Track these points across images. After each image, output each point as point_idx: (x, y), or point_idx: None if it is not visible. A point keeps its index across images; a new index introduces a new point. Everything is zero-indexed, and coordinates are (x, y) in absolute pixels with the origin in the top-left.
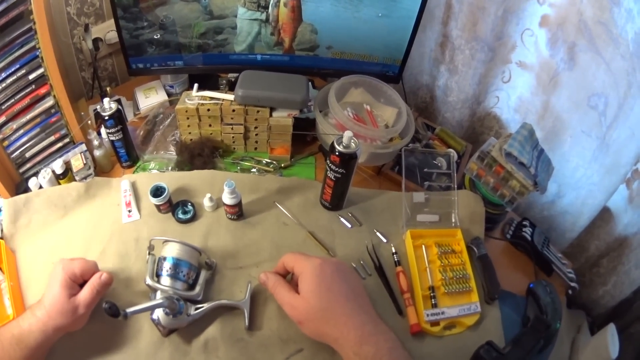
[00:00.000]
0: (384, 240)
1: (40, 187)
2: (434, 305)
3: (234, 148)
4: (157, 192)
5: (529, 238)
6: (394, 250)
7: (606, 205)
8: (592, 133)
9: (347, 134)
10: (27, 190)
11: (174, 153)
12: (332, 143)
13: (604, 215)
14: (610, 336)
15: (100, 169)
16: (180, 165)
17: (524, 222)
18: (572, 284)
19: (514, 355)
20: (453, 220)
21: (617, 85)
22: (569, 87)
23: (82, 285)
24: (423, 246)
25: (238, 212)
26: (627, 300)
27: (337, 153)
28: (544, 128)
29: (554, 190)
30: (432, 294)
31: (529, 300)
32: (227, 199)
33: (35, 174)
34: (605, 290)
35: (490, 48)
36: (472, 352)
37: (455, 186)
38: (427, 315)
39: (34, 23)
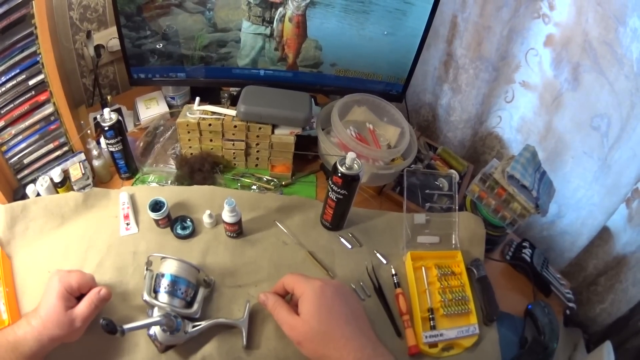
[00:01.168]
0: (384, 262)
1: (38, 194)
2: (433, 327)
3: (235, 164)
4: (156, 206)
5: (529, 259)
6: (393, 272)
7: (605, 224)
8: (593, 154)
9: (350, 155)
10: (24, 196)
11: (174, 167)
12: (335, 164)
13: (603, 234)
14: (606, 354)
15: (99, 180)
16: (180, 180)
17: (524, 244)
18: (570, 304)
19: None
20: (453, 241)
21: (620, 106)
22: (572, 108)
23: (78, 297)
24: (423, 268)
25: (238, 230)
26: (623, 317)
27: (339, 174)
28: (546, 149)
29: (554, 211)
30: (431, 316)
31: (527, 322)
32: (227, 217)
33: (33, 181)
34: (603, 308)
35: (494, 67)
36: None
37: (457, 208)
38: (426, 337)
39: (35, 27)
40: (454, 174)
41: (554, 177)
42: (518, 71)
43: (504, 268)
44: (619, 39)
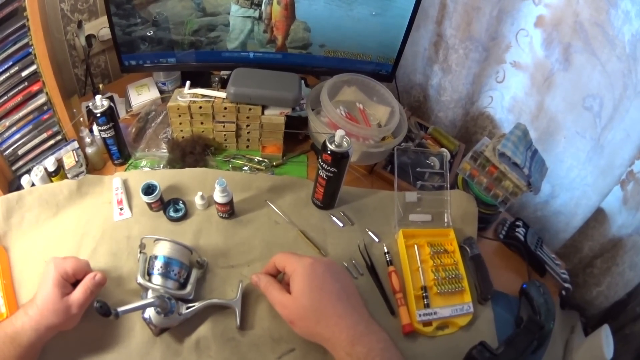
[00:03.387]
0: (376, 240)
1: (33, 184)
2: (427, 306)
3: (226, 146)
4: (148, 190)
5: (522, 238)
6: (386, 250)
7: (600, 206)
8: (586, 134)
9: (339, 132)
10: (19, 187)
11: (166, 151)
12: (324, 142)
13: (598, 216)
14: (604, 337)
15: (92, 167)
16: (172, 163)
17: (517, 223)
18: (566, 285)
19: (507, 356)
20: (445, 220)
21: (612, 87)
22: (563, 88)
23: (74, 284)
24: (415, 246)
25: (229, 210)
26: (621, 301)
27: (329, 152)
28: (538, 128)
29: (547, 191)
30: (424, 294)
31: (522, 301)
32: (219, 197)
33: (28, 172)
34: (599, 291)
35: (484, 48)
36: (464, 353)
37: (448, 186)
38: (420, 315)
39: (28, 20)
40: (445, 152)
41: (547, 156)
42: (509, 51)
43: (498, 247)
44: (610, 20)
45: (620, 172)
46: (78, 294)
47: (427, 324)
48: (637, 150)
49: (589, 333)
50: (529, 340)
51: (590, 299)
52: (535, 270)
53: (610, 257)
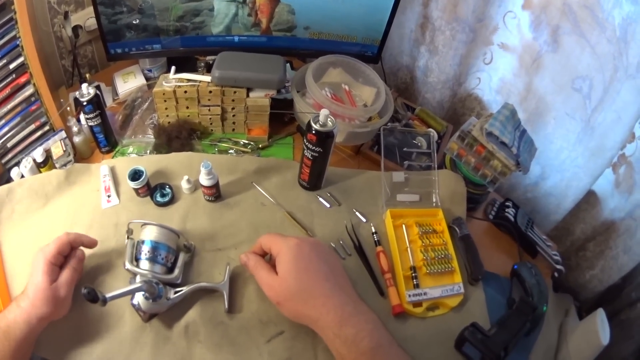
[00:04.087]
0: (364, 220)
1: (22, 176)
2: (416, 286)
3: (212, 130)
4: (135, 175)
5: (512, 219)
6: (373, 230)
7: (592, 189)
8: (576, 115)
9: (324, 112)
10: (9, 180)
11: (152, 136)
12: (309, 122)
13: (590, 198)
14: (600, 321)
15: (80, 155)
16: (158, 149)
17: (507, 203)
18: (558, 267)
19: (500, 337)
20: (434, 200)
21: (602, 69)
22: (552, 70)
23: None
24: (403, 226)
25: (215, 193)
26: (616, 286)
27: (313, 132)
28: (527, 109)
29: (537, 172)
30: (413, 274)
31: (514, 282)
32: (204, 180)
33: (17, 164)
34: (593, 274)
35: (471, 29)
36: (456, 334)
37: (436, 166)
38: (409, 295)
39: (15, 13)
40: (432, 132)
41: (536, 137)
42: (496, 33)
43: (488, 227)
44: (599, 3)
45: (612, 155)
46: (63, 275)
47: (417, 304)
48: (628, 132)
49: (583, 317)
50: (521, 321)
51: (584, 282)
52: (526, 251)
53: (603, 240)
